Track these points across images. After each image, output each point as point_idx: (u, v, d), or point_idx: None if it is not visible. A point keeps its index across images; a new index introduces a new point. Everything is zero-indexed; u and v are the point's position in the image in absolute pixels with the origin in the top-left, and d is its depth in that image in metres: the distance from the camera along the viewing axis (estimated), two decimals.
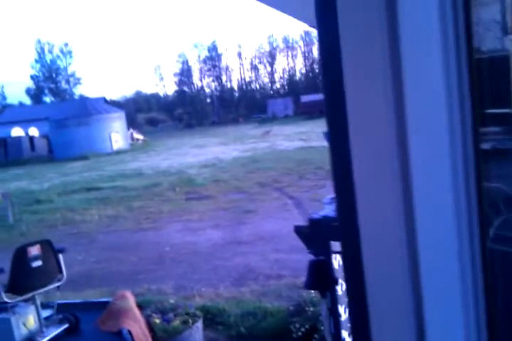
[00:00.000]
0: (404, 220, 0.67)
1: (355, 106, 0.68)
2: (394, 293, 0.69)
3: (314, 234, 1.80)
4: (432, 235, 0.66)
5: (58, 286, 4.25)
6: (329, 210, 1.50)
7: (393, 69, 0.65)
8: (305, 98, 49.63)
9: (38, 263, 3.96)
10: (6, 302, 3.94)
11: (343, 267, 0.77)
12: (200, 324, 4.22)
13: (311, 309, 3.86)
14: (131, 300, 4.29)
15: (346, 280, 0.77)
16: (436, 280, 0.66)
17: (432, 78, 0.62)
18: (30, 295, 3.96)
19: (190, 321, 4.12)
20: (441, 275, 0.65)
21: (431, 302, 0.67)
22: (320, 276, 1.58)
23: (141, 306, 4.56)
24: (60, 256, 4.24)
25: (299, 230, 1.97)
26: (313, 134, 26.35)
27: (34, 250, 3.95)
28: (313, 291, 4.44)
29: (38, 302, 4.07)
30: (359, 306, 0.74)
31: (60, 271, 4.21)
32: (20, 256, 3.89)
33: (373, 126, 0.67)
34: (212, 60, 71.44)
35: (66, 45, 68.52)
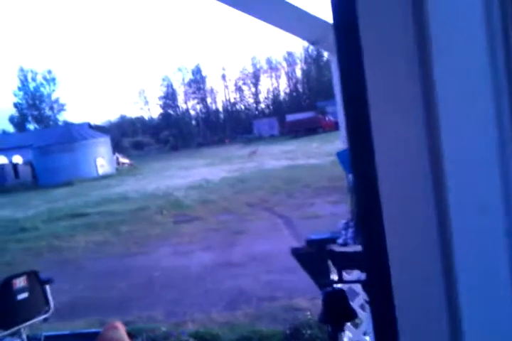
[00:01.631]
0: (440, 252, 0.61)
1: (380, 124, 0.64)
2: (430, 332, 0.63)
3: (316, 260, 1.72)
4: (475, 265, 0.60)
5: (45, 318, 4.09)
6: (346, 237, 1.40)
7: (425, 92, 0.61)
8: (290, 117, 50.04)
9: (24, 295, 3.82)
10: None
11: (371, 304, 0.71)
12: None
13: (308, 332, 3.76)
14: (121, 331, 4.13)
15: (374, 321, 0.71)
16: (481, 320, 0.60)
17: (472, 80, 0.58)
18: (15, 328, 3.80)
19: None
20: (486, 312, 0.59)
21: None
22: (338, 309, 1.46)
23: (131, 335, 4.40)
24: (47, 287, 4.09)
25: (296, 252, 1.88)
26: (299, 153, 26.44)
27: (20, 282, 3.81)
28: (309, 314, 4.34)
29: (25, 336, 3.91)
30: None
31: (47, 303, 4.06)
32: (6, 289, 3.75)
33: (402, 145, 0.63)
34: (197, 82, 71.94)
35: (49, 72, 68.52)
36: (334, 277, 2.21)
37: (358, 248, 1.39)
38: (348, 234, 1.38)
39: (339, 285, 2.21)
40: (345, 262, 1.49)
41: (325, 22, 1.93)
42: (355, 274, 2.07)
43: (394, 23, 0.64)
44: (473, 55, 0.58)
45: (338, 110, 2.22)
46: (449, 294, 0.63)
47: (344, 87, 0.73)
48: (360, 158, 0.70)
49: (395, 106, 0.64)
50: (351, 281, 1.70)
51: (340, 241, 1.43)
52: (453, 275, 0.62)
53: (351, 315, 1.49)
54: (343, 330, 1.62)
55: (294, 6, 1.71)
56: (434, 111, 0.62)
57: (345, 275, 2.05)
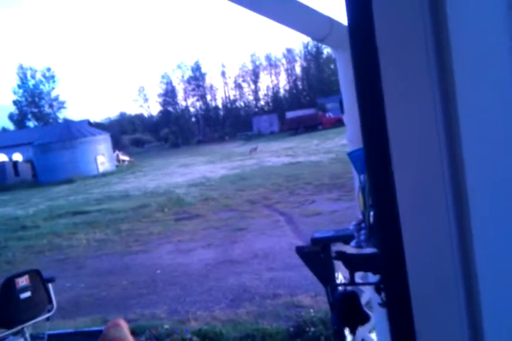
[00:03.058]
0: (459, 255, 0.60)
1: (397, 123, 0.62)
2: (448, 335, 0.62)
3: (321, 258, 1.70)
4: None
5: (48, 317, 4.09)
6: (358, 240, 1.38)
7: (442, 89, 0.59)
8: (290, 114, 49.97)
9: (26, 294, 3.81)
10: None
11: (387, 306, 0.70)
12: None
13: (312, 329, 3.75)
14: (124, 328, 4.13)
15: (391, 324, 0.70)
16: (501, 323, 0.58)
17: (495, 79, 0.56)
18: (19, 328, 3.80)
19: None
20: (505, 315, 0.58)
21: None
22: (351, 311, 1.45)
23: (135, 333, 4.39)
24: (50, 285, 4.08)
25: (301, 251, 1.86)
26: (299, 150, 26.42)
27: (22, 281, 3.80)
28: (312, 311, 4.34)
29: (28, 335, 3.90)
30: None
31: (50, 302, 4.05)
32: (8, 288, 3.73)
33: (419, 145, 0.61)
34: (196, 79, 71.80)
35: (48, 69, 68.45)
36: (340, 276, 2.20)
37: (370, 250, 1.38)
38: (360, 237, 1.36)
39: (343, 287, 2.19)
40: (357, 264, 1.47)
41: (331, 19, 1.91)
42: (358, 275, 2.05)
43: (410, 21, 0.62)
44: (494, 52, 0.57)
45: (344, 107, 2.20)
46: (469, 297, 0.61)
47: (359, 86, 0.71)
48: (375, 157, 0.68)
49: (411, 105, 0.63)
50: (364, 283, 1.68)
51: (353, 243, 1.41)
52: (472, 277, 0.60)
53: (365, 318, 1.48)
54: (355, 333, 1.61)
55: (299, 2, 1.69)
56: (453, 110, 0.61)
57: (346, 277, 2.03)
